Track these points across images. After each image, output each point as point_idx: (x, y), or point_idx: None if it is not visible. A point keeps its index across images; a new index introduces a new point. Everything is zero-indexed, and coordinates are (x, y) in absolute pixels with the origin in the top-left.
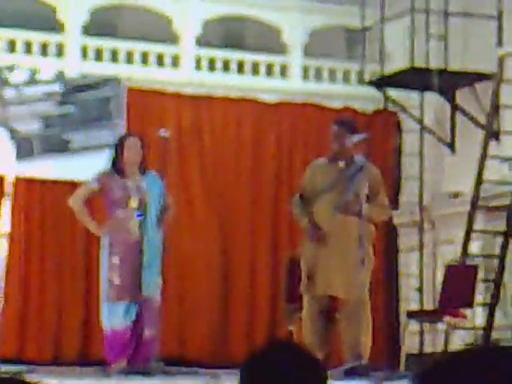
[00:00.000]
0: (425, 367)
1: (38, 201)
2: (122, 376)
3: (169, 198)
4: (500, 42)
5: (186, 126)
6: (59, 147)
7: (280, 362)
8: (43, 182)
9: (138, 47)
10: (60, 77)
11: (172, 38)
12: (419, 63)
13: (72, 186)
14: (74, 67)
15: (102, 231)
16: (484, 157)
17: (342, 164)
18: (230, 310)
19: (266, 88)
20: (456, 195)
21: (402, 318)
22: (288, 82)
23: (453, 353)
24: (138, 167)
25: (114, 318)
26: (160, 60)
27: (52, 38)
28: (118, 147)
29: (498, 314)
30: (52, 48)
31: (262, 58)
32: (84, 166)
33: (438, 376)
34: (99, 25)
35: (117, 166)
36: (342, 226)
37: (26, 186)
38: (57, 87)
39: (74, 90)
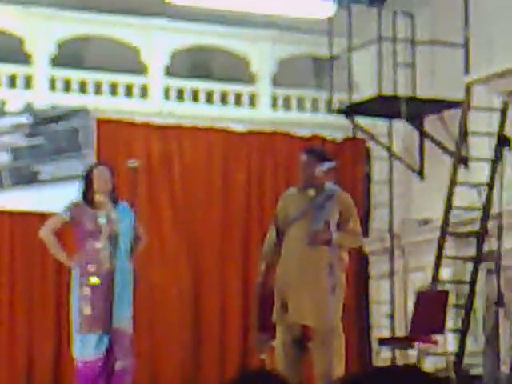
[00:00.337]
0: None
1: (8, 232)
2: None
3: (140, 229)
4: (467, 70)
5: (156, 156)
6: (28, 179)
7: None
8: (12, 214)
9: (107, 78)
10: (28, 108)
11: (140, 69)
12: (387, 91)
13: (42, 217)
14: (43, 98)
15: (72, 262)
16: (453, 183)
17: (312, 192)
18: (202, 339)
19: (235, 117)
20: (425, 222)
21: (374, 345)
22: (257, 111)
23: (355, 374)
24: (108, 197)
25: (85, 349)
26: (128, 90)
27: (20, 70)
28: (88, 177)
29: (469, 340)
30: (20, 79)
31: (231, 88)
32: (54, 198)
33: None
34: (67, 56)
35: (87, 197)
36: (312, 255)
37: None
38: (25, 119)
39: (42, 121)
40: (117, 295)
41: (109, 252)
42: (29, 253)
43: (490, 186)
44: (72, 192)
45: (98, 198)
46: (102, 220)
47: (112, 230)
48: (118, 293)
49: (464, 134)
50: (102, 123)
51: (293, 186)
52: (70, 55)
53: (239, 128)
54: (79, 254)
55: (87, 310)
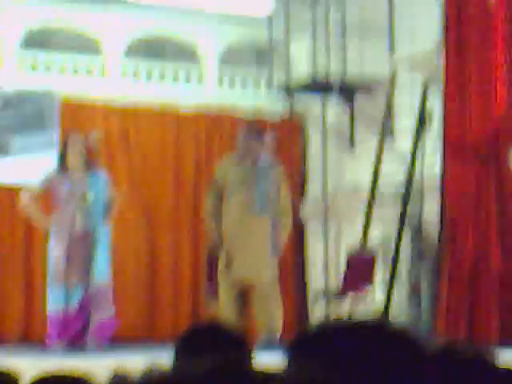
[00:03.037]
0: (295, 339)
1: None
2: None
3: (113, 191)
4: (392, 49)
5: (114, 133)
6: None
7: (206, 342)
8: None
9: (69, 59)
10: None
11: (99, 51)
12: (322, 70)
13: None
14: (11, 78)
15: (48, 225)
16: (380, 152)
17: (249, 162)
18: (157, 293)
19: (185, 94)
20: (356, 189)
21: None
22: (205, 88)
23: (319, 324)
24: (83, 165)
25: (57, 301)
26: (88, 72)
27: None
28: (63, 146)
29: (397, 293)
30: None
31: (182, 67)
32: (22, 170)
33: (303, 346)
34: (35, 39)
35: (62, 165)
36: (258, 221)
37: None
38: None
39: (11, 100)
40: (94, 256)
41: (82, 216)
42: None
43: (413, 157)
44: (39, 165)
45: (72, 165)
46: (76, 185)
47: (84, 195)
48: (96, 254)
49: (390, 108)
50: (64, 105)
51: (229, 155)
52: (37, 38)
53: (188, 103)
54: (55, 217)
55: (61, 265)
